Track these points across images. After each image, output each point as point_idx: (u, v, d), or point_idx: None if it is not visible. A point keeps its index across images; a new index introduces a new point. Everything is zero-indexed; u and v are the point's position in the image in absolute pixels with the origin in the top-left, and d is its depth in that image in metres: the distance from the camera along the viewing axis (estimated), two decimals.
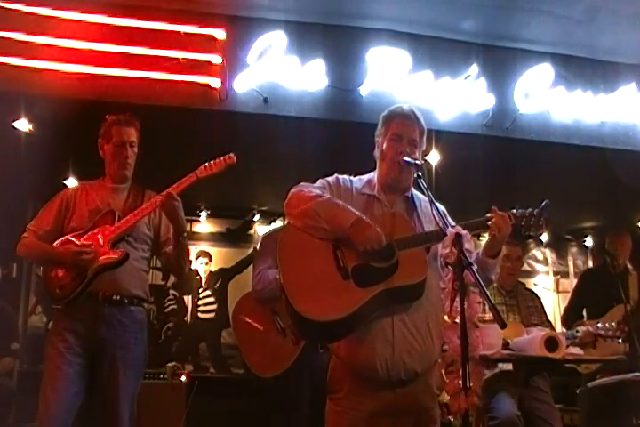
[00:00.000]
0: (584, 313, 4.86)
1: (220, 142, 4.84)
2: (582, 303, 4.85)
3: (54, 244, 3.13)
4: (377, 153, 2.72)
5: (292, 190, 2.58)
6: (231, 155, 3.21)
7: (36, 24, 4.40)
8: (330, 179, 2.66)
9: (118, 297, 3.06)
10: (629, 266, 5.07)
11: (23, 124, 4.66)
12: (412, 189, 2.72)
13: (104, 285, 3.03)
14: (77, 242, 3.08)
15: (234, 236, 7.31)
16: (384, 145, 2.66)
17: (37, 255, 3.25)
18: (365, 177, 2.73)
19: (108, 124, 3.24)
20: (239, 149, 4.86)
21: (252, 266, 7.07)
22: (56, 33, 4.41)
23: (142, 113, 3.30)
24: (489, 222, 2.50)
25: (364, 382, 2.45)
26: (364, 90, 4.84)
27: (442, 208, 2.58)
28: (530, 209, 2.59)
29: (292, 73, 4.72)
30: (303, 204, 2.48)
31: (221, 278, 7.25)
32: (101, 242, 3.06)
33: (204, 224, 7.22)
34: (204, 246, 7.27)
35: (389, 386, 2.45)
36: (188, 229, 6.98)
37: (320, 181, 2.65)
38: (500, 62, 5.16)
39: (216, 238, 7.30)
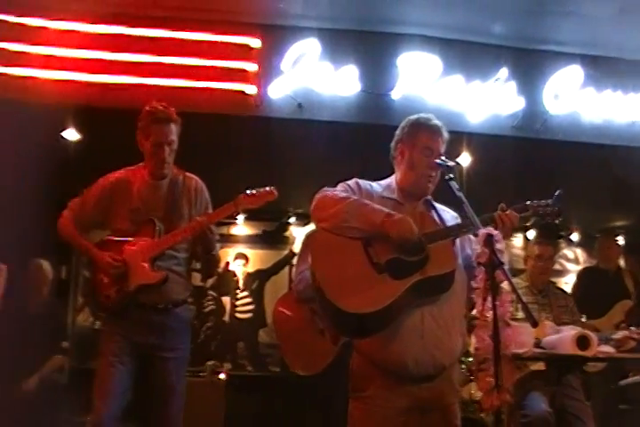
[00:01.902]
0: None
1: (256, 147, 4.99)
2: (582, 302, 4.80)
3: (98, 242, 3.17)
4: (398, 159, 2.73)
5: (317, 195, 2.61)
6: (273, 190, 3.12)
7: (80, 40, 4.55)
8: (350, 183, 2.69)
9: (164, 305, 3.09)
10: (622, 265, 5.10)
11: (71, 134, 4.81)
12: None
13: (149, 295, 3.05)
14: (117, 250, 3.10)
15: (270, 238, 7.36)
16: (414, 156, 2.67)
17: (74, 245, 3.26)
18: (384, 182, 2.76)
19: (148, 120, 3.14)
20: (274, 153, 4.99)
21: (287, 267, 7.31)
22: (98, 46, 4.55)
23: (180, 120, 3.33)
24: (494, 216, 2.53)
25: (392, 378, 2.47)
26: (396, 94, 4.87)
27: (454, 214, 2.70)
28: (544, 200, 2.64)
29: (326, 79, 4.78)
30: (332, 206, 2.52)
31: (258, 280, 7.31)
32: (142, 258, 3.06)
33: (241, 227, 7.28)
34: (242, 248, 7.34)
35: (417, 381, 2.46)
36: (225, 231, 7.14)
37: (341, 185, 2.67)
38: (529, 65, 5.16)
39: (253, 241, 7.37)
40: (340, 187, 2.66)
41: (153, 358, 3.09)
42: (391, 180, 2.75)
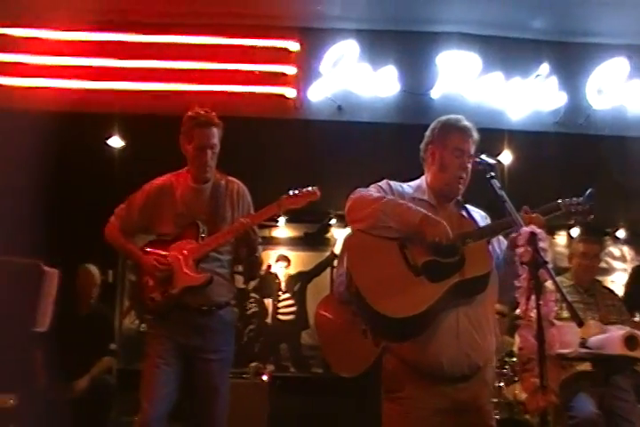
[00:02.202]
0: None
1: (296, 150, 5.03)
2: (635, 301, 4.70)
3: (144, 246, 3.24)
4: (429, 161, 2.73)
5: (352, 197, 2.62)
6: (315, 190, 3.13)
7: (126, 50, 4.69)
8: (382, 184, 2.70)
9: (207, 307, 3.12)
10: None
11: (116, 142, 4.94)
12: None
13: (193, 297, 3.09)
14: (162, 253, 3.15)
15: (311, 240, 7.37)
16: (445, 158, 2.67)
17: (121, 250, 3.34)
18: (414, 183, 2.76)
19: (191, 124, 3.18)
20: (315, 155, 5.02)
21: (329, 269, 7.31)
22: (143, 55, 4.67)
23: (222, 124, 3.38)
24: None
25: (427, 379, 2.47)
26: (436, 93, 4.86)
27: (483, 214, 2.70)
28: (575, 198, 2.63)
29: (365, 80, 4.80)
30: (367, 206, 2.53)
31: (300, 281, 7.31)
32: (186, 260, 3.09)
33: (283, 229, 7.31)
34: (283, 251, 7.35)
35: (452, 382, 2.46)
36: (267, 234, 7.15)
37: (373, 186, 2.68)
38: (571, 59, 5.10)
39: (294, 243, 7.38)
40: (372, 188, 2.67)
41: (197, 359, 3.13)
42: (421, 181, 2.76)
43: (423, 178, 2.76)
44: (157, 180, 3.32)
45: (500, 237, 2.66)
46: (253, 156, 4.96)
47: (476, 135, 2.70)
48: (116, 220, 3.30)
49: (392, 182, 2.72)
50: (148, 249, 3.22)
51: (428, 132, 2.76)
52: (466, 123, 2.71)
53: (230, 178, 3.32)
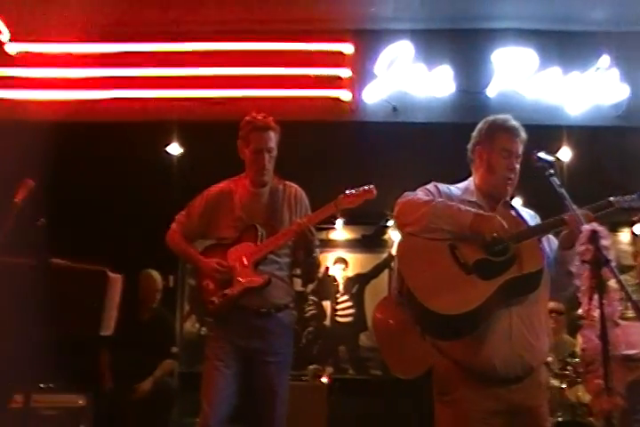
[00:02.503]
0: None
1: (352, 152, 5.05)
2: None
3: (203, 250, 3.31)
4: (477, 162, 2.72)
5: (400, 201, 2.63)
6: (372, 188, 3.16)
7: (180, 59, 4.80)
8: (429, 187, 2.69)
9: (266, 310, 3.14)
10: None
11: (175, 149, 5.05)
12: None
13: (252, 299, 3.13)
14: (222, 256, 3.21)
15: (369, 241, 7.33)
16: (492, 159, 2.65)
17: (182, 255, 3.42)
18: (462, 185, 2.74)
19: (248, 129, 3.25)
20: (371, 156, 5.03)
21: (386, 270, 7.28)
22: (193, 63, 4.78)
23: (279, 129, 3.41)
24: (566, 218, 2.48)
25: (480, 380, 2.45)
26: (492, 91, 4.82)
27: (532, 213, 2.69)
28: (628, 195, 2.59)
29: (420, 80, 4.80)
30: (417, 209, 2.53)
31: (358, 283, 7.30)
32: (245, 262, 3.15)
33: (340, 231, 7.30)
34: (341, 253, 7.35)
35: (505, 383, 2.44)
36: (324, 237, 7.12)
37: (421, 189, 2.68)
38: (633, 49, 4.96)
39: (352, 245, 7.37)
40: (420, 191, 2.67)
41: (256, 361, 3.17)
42: (469, 182, 2.74)
43: (471, 179, 2.75)
44: (216, 186, 3.40)
45: (550, 237, 2.64)
46: (310, 159, 5.00)
47: (523, 135, 2.68)
48: (177, 226, 3.39)
49: (439, 185, 2.72)
50: (208, 253, 3.29)
51: (474, 133, 2.75)
52: (513, 122, 2.69)
53: (288, 183, 3.37)
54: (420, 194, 2.65)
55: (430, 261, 2.51)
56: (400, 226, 2.64)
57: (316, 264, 3.35)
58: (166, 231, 3.43)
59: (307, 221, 3.11)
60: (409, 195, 2.64)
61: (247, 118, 3.31)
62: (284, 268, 3.26)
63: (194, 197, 3.41)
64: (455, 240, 2.51)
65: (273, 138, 3.25)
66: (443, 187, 2.71)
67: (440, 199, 2.59)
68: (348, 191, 3.15)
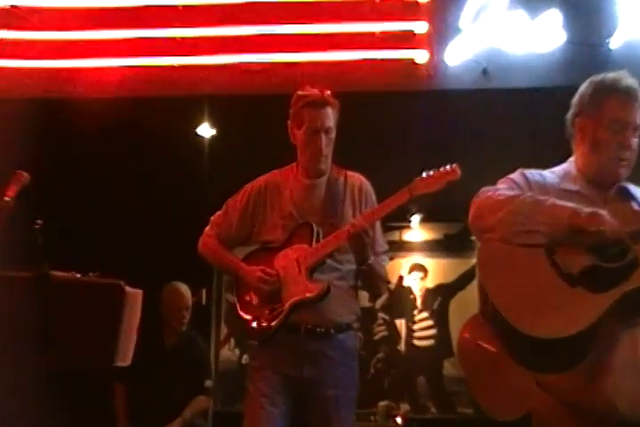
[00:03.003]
0: None
1: (430, 129, 4.99)
2: None
3: (245, 257, 3.36)
4: (578, 138, 2.62)
5: (476, 199, 2.57)
6: (455, 167, 3.14)
7: (209, 15, 4.82)
8: (514, 177, 2.62)
9: (323, 329, 3.16)
10: None
11: (206, 131, 5.09)
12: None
13: (306, 316, 3.14)
14: (269, 263, 3.25)
15: (453, 243, 7.30)
16: (599, 133, 2.53)
17: (218, 264, 3.52)
18: (559, 169, 2.66)
19: (300, 105, 3.29)
20: (454, 134, 4.98)
21: (476, 280, 7.16)
22: (226, 20, 4.79)
23: (338, 105, 3.39)
24: None
25: (594, 424, 2.40)
26: (616, 42, 4.68)
27: None
28: None
29: (518, 33, 4.69)
30: (498, 210, 2.46)
31: (441, 296, 7.30)
32: (297, 269, 3.17)
33: (417, 231, 7.32)
34: (418, 258, 7.36)
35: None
36: (397, 238, 7.18)
37: (502, 181, 2.62)
38: None
39: (432, 247, 7.38)
40: (501, 184, 2.60)
41: (311, 396, 3.19)
42: (569, 165, 2.67)
43: (571, 161, 2.68)
44: (260, 178, 3.44)
45: None
46: (377, 139, 4.98)
47: None
48: (212, 229, 3.45)
49: (528, 172, 2.64)
50: (251, 260, 3.34)
51: (575, 99, 2.64)
52: (629, 83, 2.55)
53: (350, 173, 3.39)
54: (503, 188, 2.57)
55: (521, 271, 2.46)
56: (477, 232, 2.58)
57: (376, 274, 3.33)
58: (198, 236, 3.48)
59: (362, 222, 3.11)
60: (487, 191, 2.57)
61: (299, 92, 3.33)
62: (347, 277, 3.26)
63: (232, 193, 3.45)
64: (553, 244, 2.43)
65: (331, 116, 3.26)
66: (533, 175, 2.63)
67: (529, 193, 2.52)
68: (424, 173, 3.14)
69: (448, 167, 3.13)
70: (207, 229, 3.47)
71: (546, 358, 2.42)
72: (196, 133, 5.22)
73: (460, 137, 5.07)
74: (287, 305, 3.13)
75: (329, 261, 3.21)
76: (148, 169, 5.33)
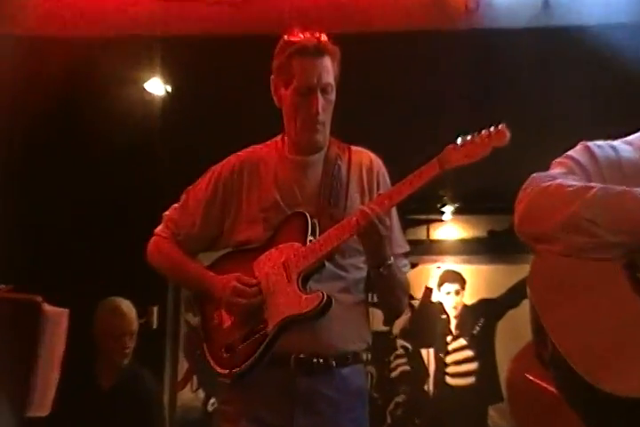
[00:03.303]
0: None
1: (470, 80, 5.00)
2: None
3: (214, 262, 3.32)
4: None
5: (525, 193, 2.49)
6: (501, 128, 3.08)
7: None
8: (576, 153, 2.52)
9: (321, 360, 3.13)
10: None
11: (157, 87, 5.10)
12: None
13: (297, 342, 3.09)
14: (246, 270, 3.22)
15: (500, 243, 7.35)
16: None
17: (176, 274, 3.46)
18: (636, 136, 2.66)
19: (287, 54, 3.24)
20: (499, 90, 4.96)
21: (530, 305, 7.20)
22: None
23: (339, 54, 3.36)
24: None
25: None
26: None
27: None
28: None
29: None
30: (558, 212, 2.43)
31: (484, 317, 7.40)
32: (286, 275, 3.15)
33: (451, 226, 7.42)
34: (452, 264, 7.47)
35: None
36: (423, 235, 7.24)
37: (559, 161, 2.55)
38: None
39: (471, 249, 7.48)
40: (557, 167, 2.54)
41: None
42: None
43: None
44: (232, 157, 3.42)
45: None
46: (394, 101, 4.96)
47: None
48: (166, 228, 3.41)
49: (595, 146, 2.55)
50: (222, 266, 3.30)
51: None
52: None
53: (356, 148, 3.37)
54: (559, 172, 2.53)
55: (593, 297, 2.38)
56: (528, 240, 2.51)
57: (395, 284, 3.30)
58: (147, 237, 3.44)
59: (376, 208, 3.04)
60: (539, 179, 2.49)
61: (286, 37, 3.29)
62: (355, 289, 3.24)
63: (193, 177, 3.42)
64: (635, 257, 2.39)
65: (330, 69, 3.22)
66: (603, 149, 2.55)
67: (600, 185, 2.48)
68: (460, 140, 3.02)
69: (492, 129, 3.07)
70: (159, 228, 3.42)
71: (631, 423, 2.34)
72: (144, 89, 5.18)
73: (507, 92, 5.12)
74: (272, 326, 3.08)
75: (329, 265, 3.16)
76: (76, 140, 5.30)
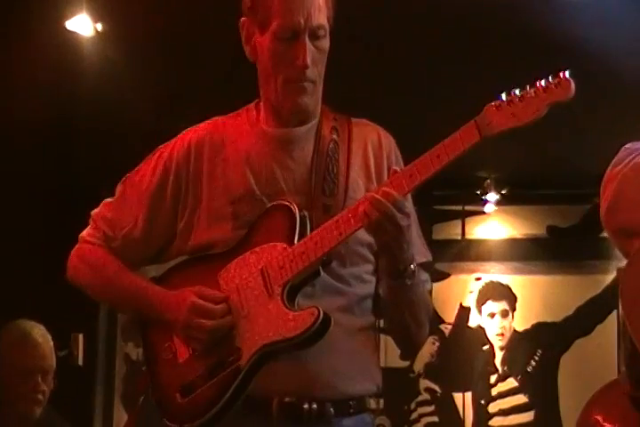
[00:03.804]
0: None
1: (513, 33, 5.05)
2: None
3: (165, 274, 3.34)
4: None
5: (613, 171, 2.63)
6: (565, 76, 3.09)
7: None
8: None
9: (314, 406, 3.15)
10: None
11: (83, 24, 5.13)
12: None
13: (280, 380, 3.09)
14: (211, 287, 3.24)
15: (564, 244, 7.51)
16: None
17: (110, 293, 3.44)
18: None
19: None
20: (563, 35, 5.03)
21: (615, 315, 7.19)
22: None
23: None
24: None
25: None
26: None
27: None
28: None
29: None
30: None
31: (542, 349, 7.45)
32: (267, 288, 3.19)
33: (495, 221, 7.47)
34: (497, 274, 7.51)
35: None
36: (454, 233, 7.33)
37: None
38: None
39: (524, 252, 7.53)
40: None
41: None
42: None
43: None
44: (187, 132, 3.42)
45: None
46: (409, 55, 5.00)
47: None
48: (95, 231, 3.38)
49: None
50: (175, 279, 3.31)
51: None
52: None
53: (358, 120, 3.39)
54: None
55: None
56: (618, 235, 2.63)
57: (416, 301, 3.31)
58: (68, 242, 3.44)
59: (390, 191, 3.07)
60: (636, 151, 2.61)
61: None
62: (358, 308, 3.23)
63: (136, 162, 3.43)
64: None
65: (322, 5, 3.21)
66: None
67: None
68: (504, 95, 3.05)
69: (551, 78, 3.06)
70: (86, 231, 3.38)
71: None
72: (66, 29, 5.21)
73: (570, 40, 5.12)
74: (247, 356, 3.08)
75: (325, 276, 3.15)
76: None
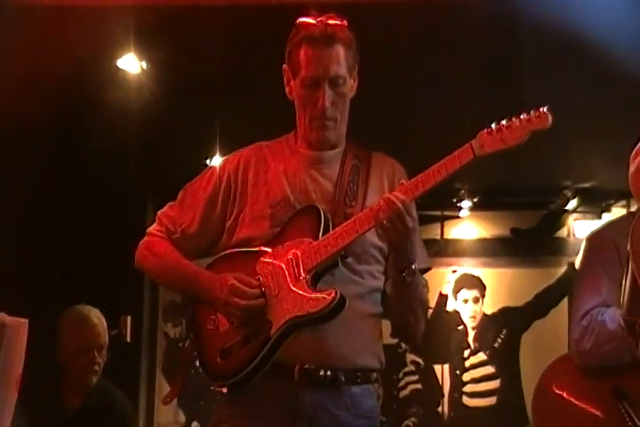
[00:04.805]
0: None
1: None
2: None
3: (212, 263, 3.36)
4: None
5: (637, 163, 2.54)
6: (544, 111, 3.09)
7: None
8: None
9: (329, 373, 3.15)
10: None
11: (131, 63, 5.07)
12: None
13: (303, 350, 3.10)
14: (249, 274, 3.21)
15: (525, 243, 7.45)
16: None
17: (170, 277, 3.47)
18: None
19: (296, 40, 3.30)
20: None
21: (566, 301, 7.17)
22: None
23: (354, 41, 3.34)
24: None
25: None
26: None
27: None
28: None
29: None
30: None
31: (507, 329, 7.42)
32: (295, 273, 3.22)
33: (469, 224, 7.43)
34: (470, 267, 7.49)
35: None
36: (436, 234, 7.23)
37: None
38: None
39: (492, 249, 7.49)
40: None
41: None
42: None
43: None
44: (236, 154, 3.47)
45: None
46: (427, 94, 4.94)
47: None
48: (160, 226, 3.45)
49: None
50: (221, 266, 3.34)
51: None
52: None
53: (377, 153, 3.41)
54: None
55: None
56: None
57: (417, 295, 3.29)
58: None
59: (400, 196, 3.03)
60: None
61: (299, 20, 3.33)
62: (370, 298, 3.25)
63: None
64: None
65: (342, 59, 3.24)
66: None
67: None
68: (494, 125, 3.09)
69: (533, 112, 3.08)
70: (152, 227, 3.44)
71: None
72: (117, 67, 5.15)
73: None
74: (276, 328, 3.11)
75: (343, 269, 3.19)
76: (39, 127, 5.29)
